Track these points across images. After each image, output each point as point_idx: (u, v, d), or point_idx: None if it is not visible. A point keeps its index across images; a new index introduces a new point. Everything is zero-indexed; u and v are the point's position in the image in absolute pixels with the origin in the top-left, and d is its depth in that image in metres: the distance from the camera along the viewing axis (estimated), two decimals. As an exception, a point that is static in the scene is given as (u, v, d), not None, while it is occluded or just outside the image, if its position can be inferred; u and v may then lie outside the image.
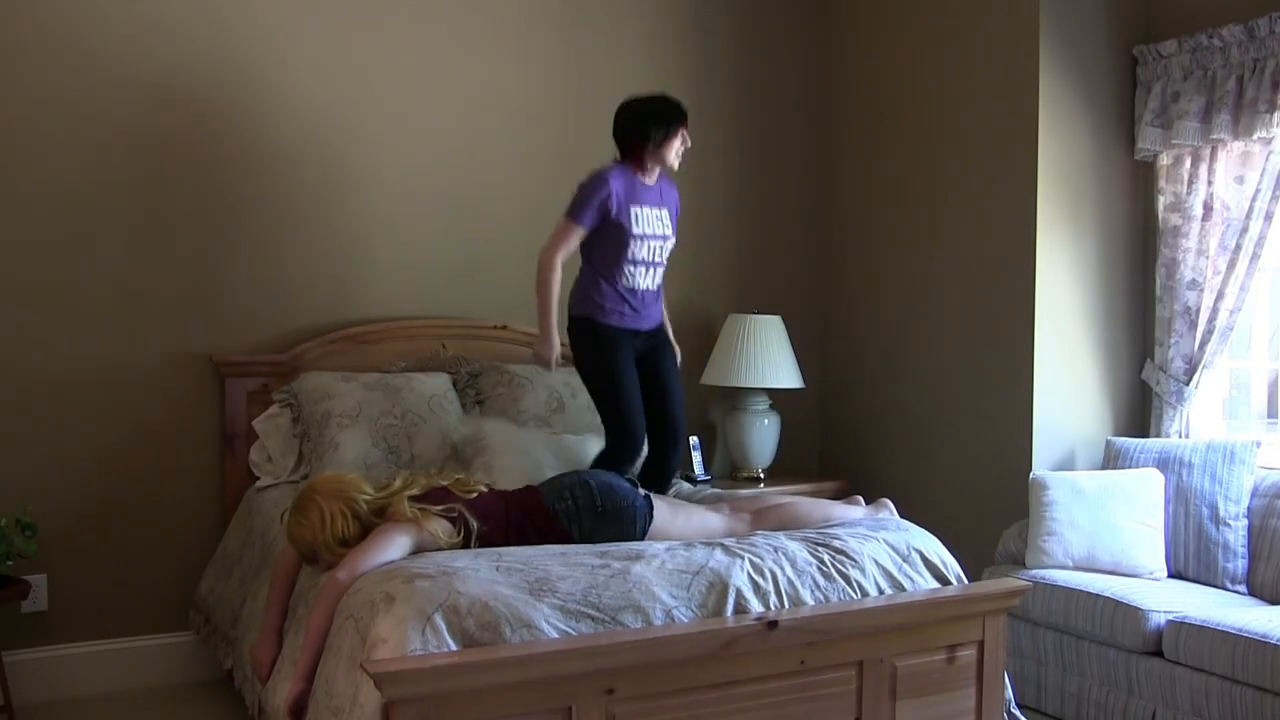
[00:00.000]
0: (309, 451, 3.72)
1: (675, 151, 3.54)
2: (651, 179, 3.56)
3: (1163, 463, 3.83)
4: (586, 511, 2.95)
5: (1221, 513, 3.68)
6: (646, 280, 3.55)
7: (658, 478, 3.65)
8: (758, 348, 4.45)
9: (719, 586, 2.67)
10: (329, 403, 3.74)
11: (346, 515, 2.79)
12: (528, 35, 4.39)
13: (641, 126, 3.49)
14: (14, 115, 3.62)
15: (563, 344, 3.54)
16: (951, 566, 3.04)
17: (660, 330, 3.69)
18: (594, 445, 3.69)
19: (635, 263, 3.50)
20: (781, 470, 4.69)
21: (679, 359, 3.77)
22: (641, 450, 3.58)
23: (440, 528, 2.77)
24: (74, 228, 3.71)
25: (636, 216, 3.47)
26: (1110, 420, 4.23)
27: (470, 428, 3.73)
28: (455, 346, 4.21)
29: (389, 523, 2.76)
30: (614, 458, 3.50)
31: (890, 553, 2.97)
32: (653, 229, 3.52)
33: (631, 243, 3.47)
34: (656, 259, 3.55)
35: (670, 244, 3.60)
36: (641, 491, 3.10)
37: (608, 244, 3.49)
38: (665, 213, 3.58)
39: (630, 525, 2.97)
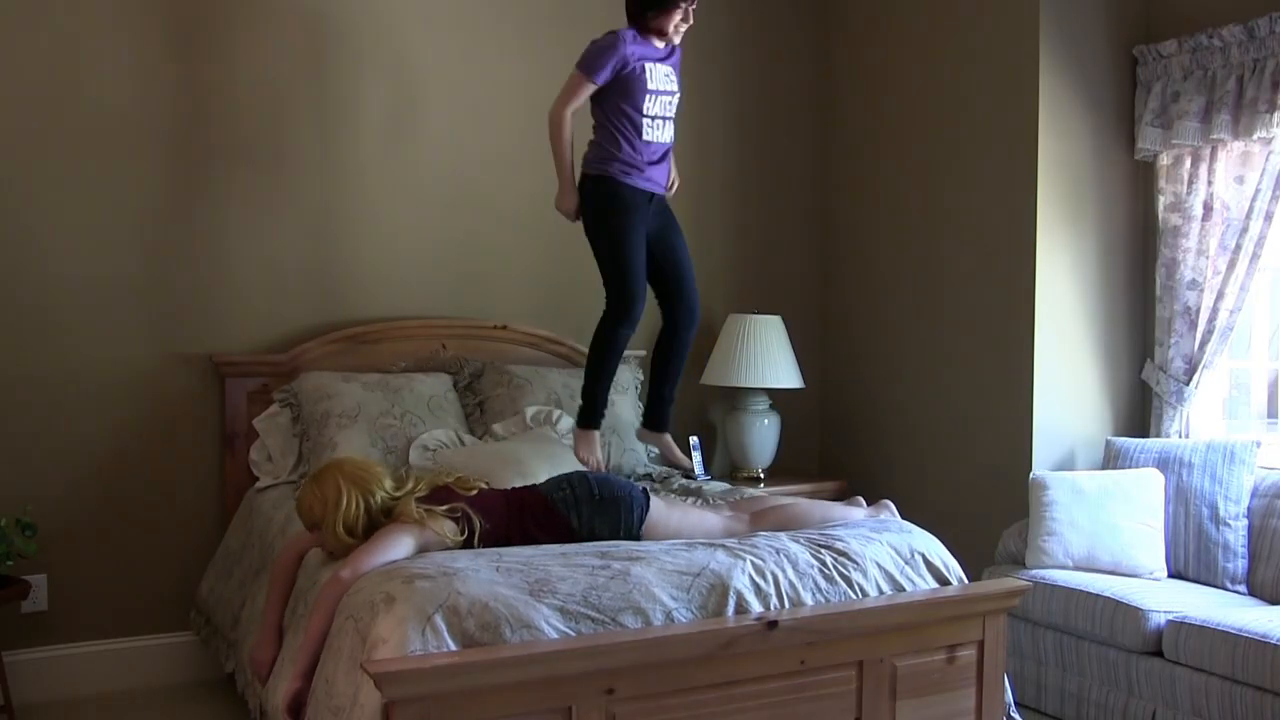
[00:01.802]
0: (308, 451, 3.73)
1: (673, 25, 3.54)
2: (660, 44, 3.58)
3: (1163, 463, 3.83)
4: (584, 499, 2.97)
5: (1221, 513, 3.68)
6: (662, 134, 3.56)
7: (674, 354, 3.71)
8: (758, 348, 4.45)
9: (720, 588, 2.67)
10: (328, 402, 3.74)
11: (360, 506, 2.80)
12: (529, 35, 4.39)
13: (639, 2, 3.54)
14: (14, 115, 3.62)
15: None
16: (954, 569, 3.04)
17: (666, 203, 3.68)
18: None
19: (653, 117, 3.53)
20: (781, 470, 4.69)
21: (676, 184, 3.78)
22: (637, 317, 3.57)
23: (446, 528, 2.78)
24: (73, 227, 3.71)
25: (652, 72, 3.51)
26: (1110, 420, 4.23)
27: (459, 457, 3.66)
28: (455, 346, 4.21)
29: (394, 523, 2.77)
30: (610, 318, 3.54)
31: (893, 555, 2.97)
32: (662, 85, 3.54)
33: (648, 98, 3.50)
34: (668, 113, 3.57)
35: (678, 99, 3.61)
36: (639, 486, 3.11)
37: (623, 100, 3.50)
38: (672, 68, 3.60)
39: (628, 514, 2.99)
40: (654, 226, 3.62)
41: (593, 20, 4.51)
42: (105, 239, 3.76)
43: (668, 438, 3.81)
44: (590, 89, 3.49)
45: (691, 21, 3.59)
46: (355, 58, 4.11)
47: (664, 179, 3.64)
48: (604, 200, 3.53)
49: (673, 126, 3.61)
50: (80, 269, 3.72)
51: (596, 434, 3.65)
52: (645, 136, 3.52)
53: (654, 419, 3.80)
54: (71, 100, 3.70)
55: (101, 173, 3.74)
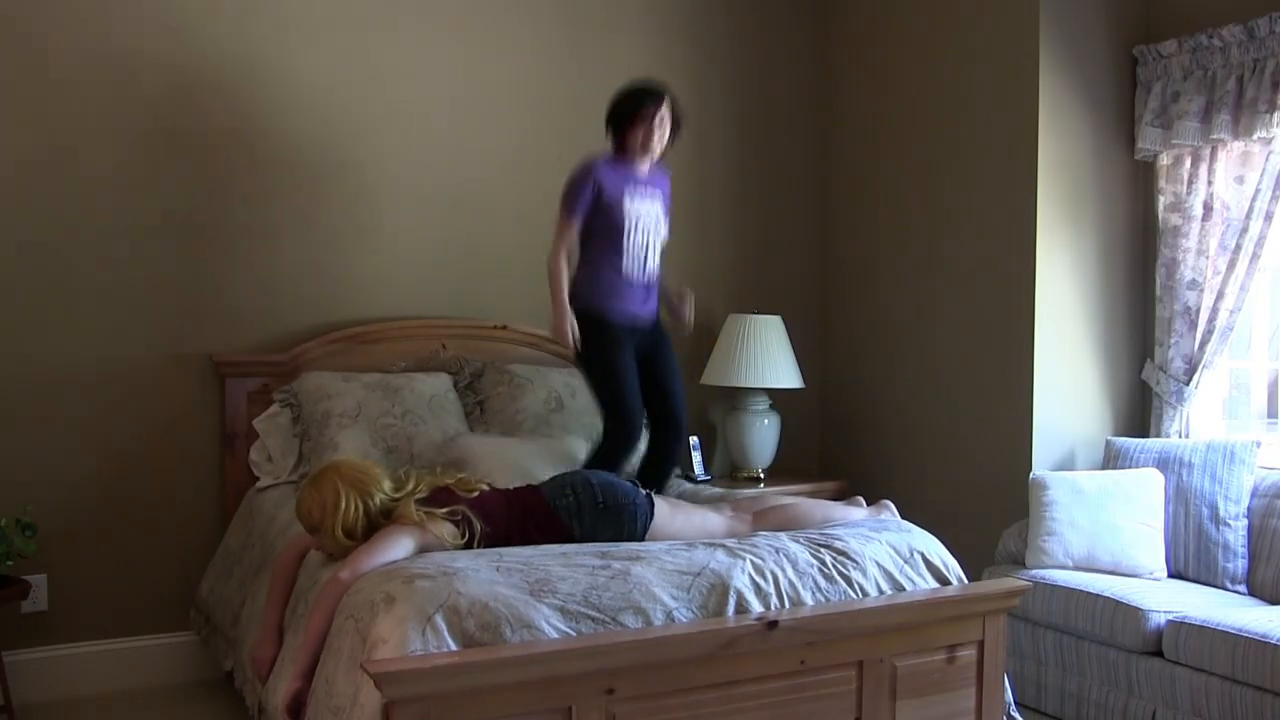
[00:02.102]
0: (309, 451, 3.73)
1: (646, 139, 3.51)
2: (643, 167, 3.58)
3: (1163, 463, 3.83)
4: (588, 508, 2.95)
5: (1221, 513, 3.68)
6: (645, 268, 3.59)
7: (658, 474, 3.67)
8: (758, 348, 4.45)
9: (720, 588, 2.67)
10: (329, 402, 3.74)
11: (359, 508, 2.79)
12: (528, 35, 4.39)
13: (613, 110, 3.57)
14: (14, 115, 3.62)
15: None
16: (953, 569, 3.04)
17: (658, 325, 3.71)
18: (583, 448, 3.71)
19: (631, 254, 3.54)
20: (781, 470, 4.69)
21: (690, 314, 3.80)
22: (638, 442, 3.60)
23: (445, 530, 2.78)
24: (74, 227, 3.71)
25: (628, 208, 3.52)
26: (1110, 420, 4.23)
27: (457, 449, 3.68)
28: (455, 346, 4.21)
29: (394, 525, 2.76)
30: (611, 449, 3.53)
31: (892, 554, 2.97)
32: (645, 219, 3.55)
33: (628, 230, 3.52)
34: (650, 248, 3.58)
35: (663, 233, 3.63)
36: (643, 490, 3.10)
37: (603, 235, 3.53)
38: (658, 204, 3.62)
39: (631, 522, 2.98)
40: (645, 346, 3.64)
41: (594, 20, 4.53)
42: (105, 239, 3.75)
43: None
44: (575, 226, 3.54)
45: (667, 131, 3.54)
46: (355, 58, 4.11)
47: (652, 308, 3.65)
48: (590, 332, 3.55)
49: (657, 261, 3.62)
50: (80, 269, 3.72)
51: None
52: (625, 270, 3.55)
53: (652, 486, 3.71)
54: (72, 101, 3.69)
55: (102, 173, 3.74)
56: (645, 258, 3.58)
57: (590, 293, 3.56)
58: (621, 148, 3.58)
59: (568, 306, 3.52)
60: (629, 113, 3.53)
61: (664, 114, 3.54)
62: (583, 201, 3.50)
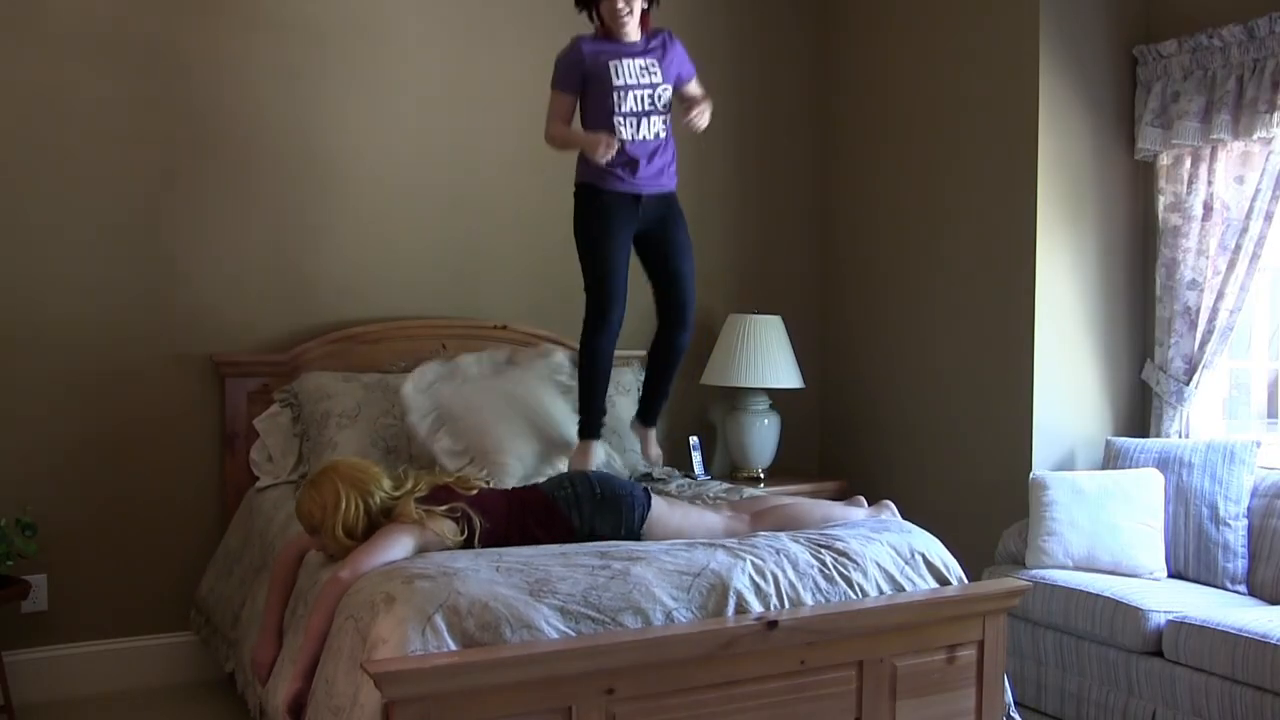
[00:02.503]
0: (309, 451, 3.73)
1: (614, 13, 3.46)
2: (630, 37, 3.51)
3: (1163, 463, 3.83)
4: (586, 499, 2.97)
5: (1221, 513, 3.68)
6: (642, 130, 3.48)
7: (665, 360, 3.67)
8: (758, 348, 4.45)
9: (720, 588, 2.66)
10: (329, 402, 3.75)
11: (359, 507, 2.79)
12: (527, 34, 4.39)
13: None
14: (13, 115, 3.62)
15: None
16: (954, 570, 3.03)
17: (669, 198, 3.61)
18: (559, 408, 3.79)
19: (624, 114, 3.47)
20: (781, 470, 4.69)
21: (700, 118, 3.57)
22: (612, 315, 3.55)
23: (446, 528, 2.78)
24: (73, 228, 3.71)
25: (616, 68, 3.47)
26: (1110, 420, 4.23)
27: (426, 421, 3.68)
28: (455, 346, 4.20)
29: (394, 524, 2.76)
30: (588, 323, 3.59)
31: (893, 555, 2.96)
32: (636, 78, 3.48)
33: (616, 94, 3.46)
34: (648, 107, 3.48)
35: (662, 90, 3.50)
36: (640, 485, 3.11)
37: (595, 107, 3.50)
38: (652, 61, 3.51)
39: (629, 513, 2.99)
40: (650, 226, 3.59)
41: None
42: (105, 239, 3.76)
43: (651, 433, 3.85)
44: (566, 100, 3.53)
45: (635, 7, 3.46)
46: (355, 58, 4.11)
47: (658, 178, 3.56)
48: (583, 206, 3.55)
49: (660, 120, 3.52)
50: (80, 269, 3.72)
51: (595, 444, 3.67)
52: (622, 135, 3.47)
53: (646, 414, 3.84)
54: (71, 102, 3.69)
55: (101, 173, 3.75)
56: (640, 125, 3.48)
57: (585, 165, 3.53)
58: (601, 25, 3.54)
59: (584, 133, 3.49)
60: None
61: None
62: (569, 74, 3.50)
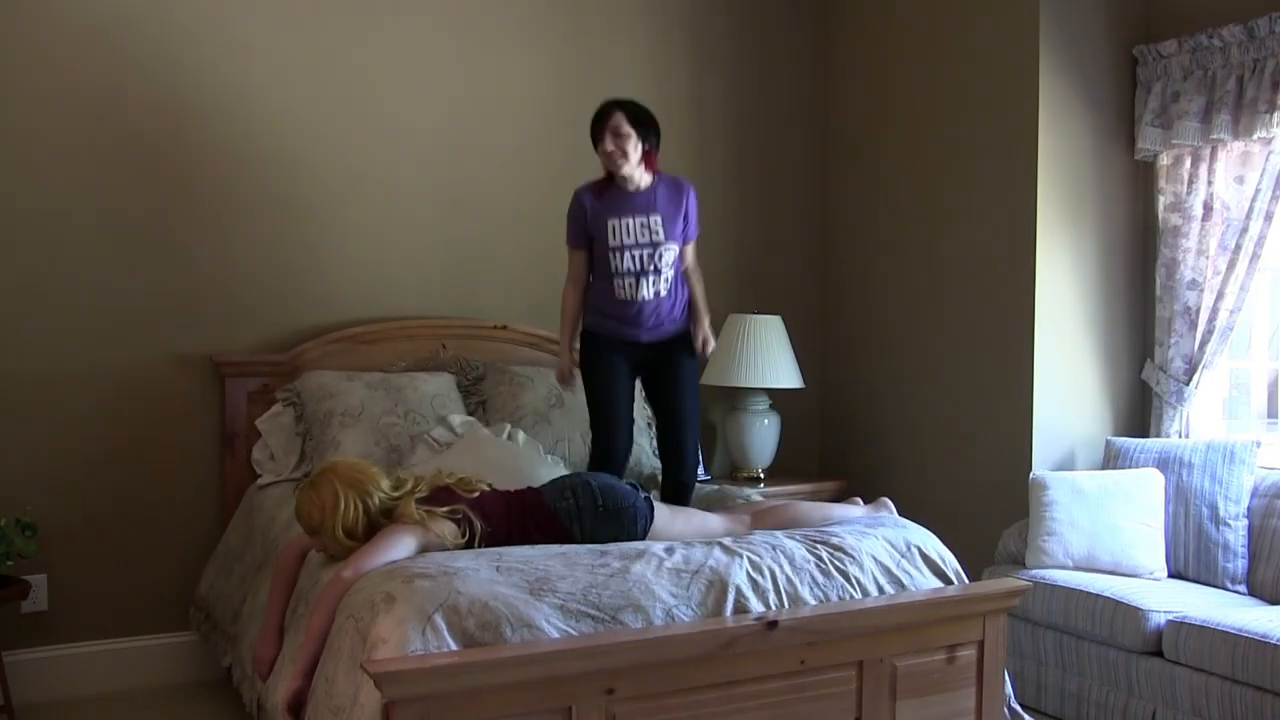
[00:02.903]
0: (311, 450, 3.73)
1: (606, 149, 3.42)
2: (637, 185, 3.49)
3: (1163, 463, 3.83)
4: (587, 510, 2.95)
5: (1221, 513, 3.68)
6: (640, 291, 3.49)
7: (676, 499, 3.60)
8: (758, 348, 4.45)
9: (718, 585, 2.67)
10: (331, 401, 3.75)
11: (358, 508, 2.79)
12: (527, 34, 4.39)
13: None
14: (13, 116, 3.62)
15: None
16: (950, 562, 3.05)
17: (672, 342, 3.60)
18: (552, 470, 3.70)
19: (622, 274, 3.49)
20: (781, 470, 4.69)
21: (708, 348, 3.70)
22: (616, 454, 3.56)
23: (446, 529, 2.78)
24: (74, 228, 3.71)
25: (614, 228, 3.46)
26: (1110, 420, 4.23)
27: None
28: (455, 346, 4.21)
29: (395, 524, 2.76)
30: (592, 460, 3.62)
31: (889, 549, 2.97)
32: (635, 236, 3.46)
33: (611, 255, 3.47)
34: (647, 267, 3.47)
35: (665, 249, 3.49)
36: (642, 493, 3.10)
37: (599, 259, 3.54)
38: (655, 218, 3.47)
39: (631, 525, 2.98)
40: (650, 365, 3.59)
41: (594, 20, 4.53)
42: (105, 239, 3.76)
43: None
44: (576, 257, 3.60)
45: (628, 150, 3.39)
46: (354, 57, 4.11)
47: (660, 326, 3.54)
48: (585, 350, 3.61)
49: (660, 280, 3.49)
50: (80, 269, 3.72)
51: None
52: (618, 295, 3.49)
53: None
54: (71, 101, 3.69)
55: (101, 173, 3.75)
56: (640, 285, 3.49)
57: (589, 312, 3.62)
58: (605, 169, 3.53)
59: (568, 344, 3.66)
60: (591, 134, 3.49)
61: (618, 124, 3.40)
62: (574, 230, 3.55)
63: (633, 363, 3.60)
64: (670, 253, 3.52)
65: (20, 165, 3.64)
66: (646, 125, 3.47)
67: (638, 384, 3.74)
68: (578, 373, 3.68)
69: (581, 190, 3.54)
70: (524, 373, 4.09)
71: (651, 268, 3.48)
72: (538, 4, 4.41)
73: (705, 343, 3.68)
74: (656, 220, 3.48)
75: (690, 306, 3.68)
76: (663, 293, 3.52)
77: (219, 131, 3.91)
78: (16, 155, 3.64)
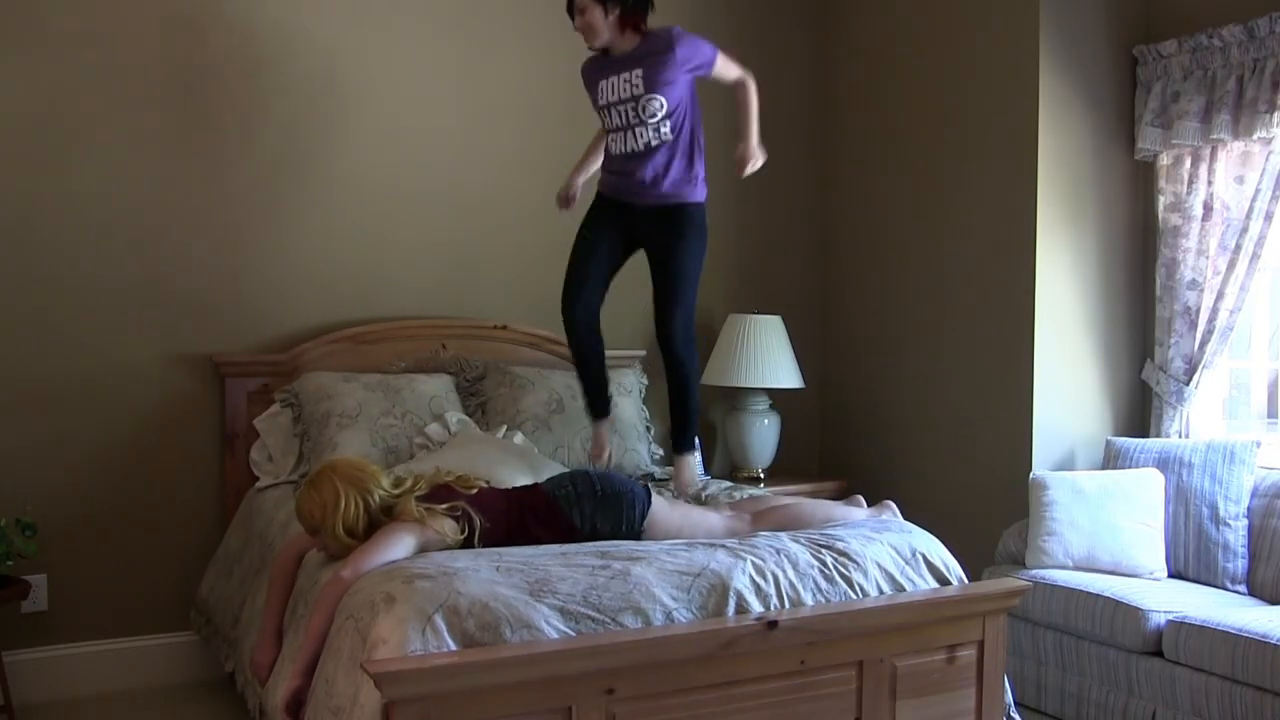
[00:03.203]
0: (309, 451, 3.73)
1: (579, 31, 3.48)
2: (618, 48, 3.50)
3: (1163, 463, 3.83)
4: (586, 497, 2.96)
5: (1221, 513, 3.68)
6: (628, 144, 3.49)
7: (668, 369, 3.58)
8: (758, 348, 4.45)
9: (720, 588, 2.66)
10: (329, 402, 3.75)
11: (359, 505, 2.78)
12: (527, 34, 4.39)
13: None
14: (12, 117, 3.62)
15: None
16: (954, 570, 3.03)
17: (669, 210, 3.51)
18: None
19: (613, 130, 3.52)
20: (781, 470, 4.69)
21: (744, 165, 3.48)
22: (569, 308, 3.56)
23: (447, 526, 2.77)
24: (72, 227, 3.71)
25: (602, 88, 3.52)
26: (1110, 420, 4.23)
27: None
28: (455, 346, 4.21)
29: (395, 523, 2.76)
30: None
31: (893, 555, 2.96)
32: (618, 94, 3.48)
33: (602, 114, 3.54)
34: (631, 120, 3.47)
35: (647, 100, 3.44)
36: (640, 483, 3.11)
37: (601, 120, 3.60)
38: (636, 71, 3.46)
39: (630, 509, 2.99)
40: (643, 231, 3.55)
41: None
42: (105, 239, 3.76)
43: (684, 460, 3.65)
44: (598, 114, 3.61)
45: (593, 22, 3.43)
46: (355, 58, 4.11)
47: (647, 188, 3.49)
48: (590, 208, 3.64)
49: (648, 131, 3.46)
50: (80, 269, 3.72)
51: (601, 422, 3.70)
52: (612, 150, 3.53)
53: (673, 438, 3.69)
54: (73, 102, 3.70)
55: (101, 173, 3.75)
56: (624, 133, 3.49)
57: (601, 171, 3.66)
58: None
59: (573, 173, 3.78)
60: (567, 12, 3.53)
61: (582, 3, 3.43)
62: (591, 96, 3.60)
63: (628, 231, 3.56)
64: (654, 103, 3.46)
65: (19, 166, 3.64)
66: None
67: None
68: (572, 200, 3.74)
69: (586, 60, 3.61)
70: (525, 375, 4.09)
71: (636, 120, 3.47)
72: (538, 5, 4.41)
73: (741, 159, 3.49)
74: (637, 74, 3.46)
75: (739, 114, 3.59)
76: (653, 142, 3.48)
77: (218, 132, 3.91)
78: (16, 158, 3.63)
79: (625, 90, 3.47)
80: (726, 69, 3.62)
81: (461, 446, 3.58)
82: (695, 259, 3.53)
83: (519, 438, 3.81)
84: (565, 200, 3.77)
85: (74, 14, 3.68)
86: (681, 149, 3.52)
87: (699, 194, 3.54)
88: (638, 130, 3.48)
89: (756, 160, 3.51)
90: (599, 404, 3.71)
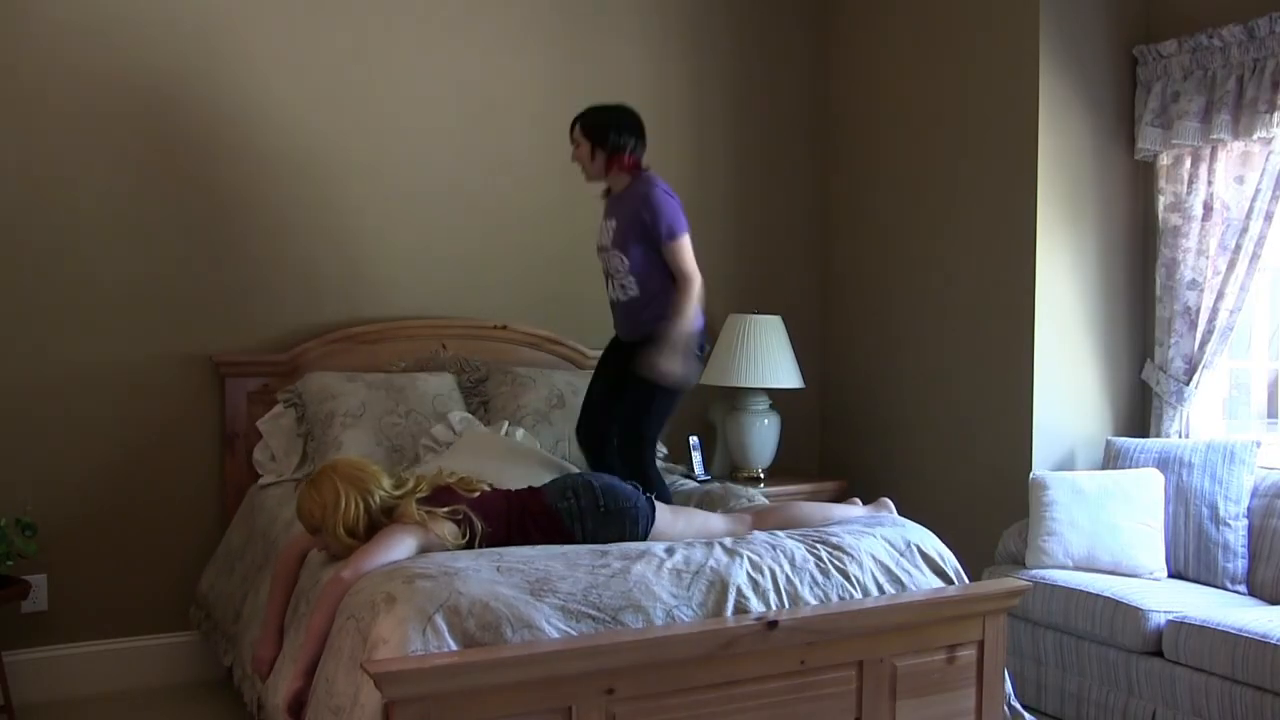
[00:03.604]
0: (312, 450, 3.73)
1: (579, 162, 3.54)
2: (617, 188, 3.54)
3: (1163, 463, 3.83)
4: (589, 511, 2.95)
5: (1221, 513, 3.68)
6: (611, 292, 3.57)
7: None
8: (758, 348, 4.45)
9: (719, 585, 2.67)
10: (333, 402, 3.75)
11: (359, 506, 2.78)
12: (527, 35, 4.40)
13: None
14: (13, 117, 3.62)
15: None
16: (949, 560, 3.04)
17: (637, 345, 3.49)
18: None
19: (604, 275, 3.59)
20: (781, 470, 4.69)
21: (647, 365, 3.39)
22: (579, 429, 3.70)
23: (447, 529, 2.77)
24: (73, 228, 3.71)
25: (599, 230, 3.58)
26: (1110, 420, 4.23)
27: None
28: (455, 346, 4.21)
29: (396, 524, 2.76)
30: None
31: (888, 548, 2.97)
32: (600, 240, 3.57)
33: (600, 256, 3.59)
34: (608, 269, 3.54)
35: (611, 255, 3.47)
36: (644, 494, 3.10)
37: None
38: (611, 223, 3.51)
39: (633, 525, 2.98)
40: (627, 364, 3.53)
41: (594, 21, 4.54)
42: (105, 240, 3.76)
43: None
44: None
45: (583, 159, 3.47)
46: (356, 59, 4.11)
47: (633, 328, 3.52)
48: None
49: (621, 284, 3.47)
50: (80, 270, 3.72)
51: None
52: (608, 295, 3.60)
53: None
54: (71, 102, 3.69)
55: (101, 174, 3.74)
56: (607, 279, 3.57)
57: None
58: None
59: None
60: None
61: (573, 134, 3.51)
62: None
63: (619, 360, 3.61)
64: (617, 259, 3.47)
65: (21, 167, 3.64)
66: (601, 131, 3.47)
67: None
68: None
69: None
70: (526, 373, 4.09)
71: (611, 270, 3.53)
72: (538, 5, 4.41)
73: (645, 359, 3.37)
74: (611, 225, 3.51)
75: (683, 316, 3.42)
76: (622, 299, 3.51)
77: (218, 132, 3.91)
78: (16, 158, 3.63)
79: (604, 239, 3.53)
80: (679, 258, 3.42)
81: (467, 450, 3.57)
82: (644, 390, 3.43)
83: (520, 433, 3.81)
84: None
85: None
86: (656, 304, 3.44)
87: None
88: (614, 281, 3.53)
89: (660, 373, 3.36)
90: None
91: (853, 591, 2.84)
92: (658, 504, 3.09)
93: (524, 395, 4.00)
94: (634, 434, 3.52)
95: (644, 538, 2.99)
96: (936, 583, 2.99)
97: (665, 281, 3.46)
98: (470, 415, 3.83)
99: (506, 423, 3.84)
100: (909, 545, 3.01)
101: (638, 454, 3.51)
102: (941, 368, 4.45)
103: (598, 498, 2.97)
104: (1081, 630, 3.50)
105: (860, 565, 2.89)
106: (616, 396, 3.59)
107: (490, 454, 3.54)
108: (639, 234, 3.43)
